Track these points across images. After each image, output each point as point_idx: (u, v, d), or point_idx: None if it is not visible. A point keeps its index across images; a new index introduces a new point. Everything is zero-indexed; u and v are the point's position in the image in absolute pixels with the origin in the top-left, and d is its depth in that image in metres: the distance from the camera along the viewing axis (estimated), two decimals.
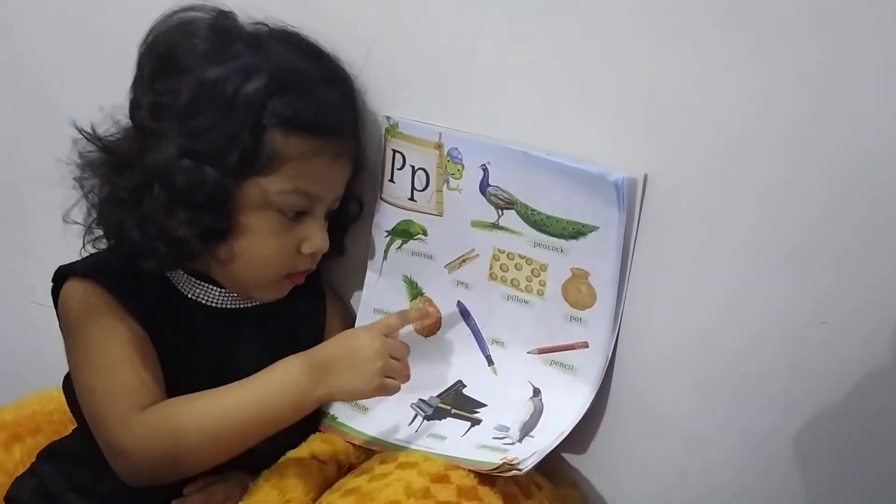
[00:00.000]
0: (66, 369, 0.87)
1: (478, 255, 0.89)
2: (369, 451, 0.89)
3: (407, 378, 0.89)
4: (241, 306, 0.90)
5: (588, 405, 0.84)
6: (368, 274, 0.97)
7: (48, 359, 0.94)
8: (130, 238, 0.81)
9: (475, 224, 0.88)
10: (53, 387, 1.03)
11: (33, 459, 0.94)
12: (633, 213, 0.79)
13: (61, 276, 0.86)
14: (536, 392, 0.88)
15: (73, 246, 0.88)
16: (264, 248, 0.84)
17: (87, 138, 0.84)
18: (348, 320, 0.98)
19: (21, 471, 0.94)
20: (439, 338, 0.94)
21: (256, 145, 0.80)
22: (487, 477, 0.80)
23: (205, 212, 0.80)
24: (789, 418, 0.78)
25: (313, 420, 0.89)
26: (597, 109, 0.80)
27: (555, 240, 0.84)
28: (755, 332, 0.78)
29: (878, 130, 0.69)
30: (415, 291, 0.94)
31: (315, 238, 0.85)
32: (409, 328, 0.92)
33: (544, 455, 0.81)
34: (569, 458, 0.91)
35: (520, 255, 0.87)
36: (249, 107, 0.79)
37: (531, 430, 0.85)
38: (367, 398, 0.88)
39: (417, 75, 0.88)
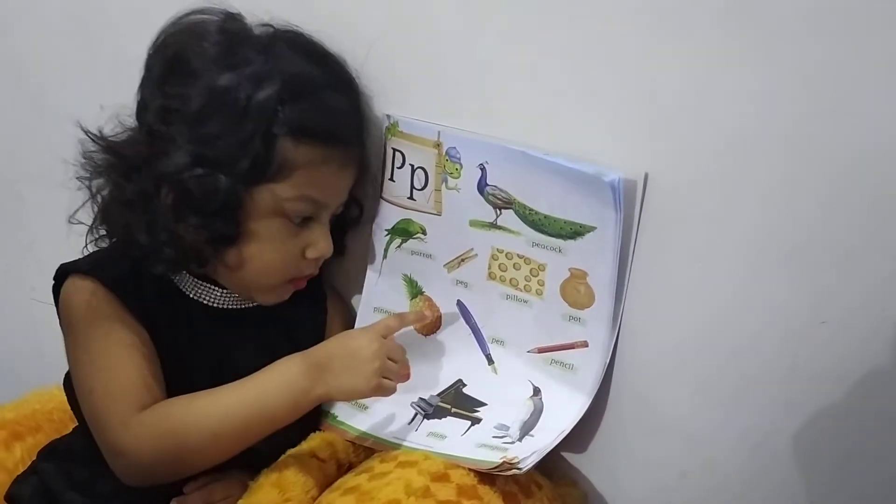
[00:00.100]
0: (66, 368, 0.88)
1: (476, 255, 0.89)
2: (369, 450, 0.89)
3: (406, 378, 0.90)
4: (242, 306, 0.90)
5: (588, 404, 0.84)
6: (368, 273, 0.97)
7: (48, 357, 0.94)
8: (138, 241, 0.81)
9: (473, 223, 0.88)
10: (53, 385, 1.03)
11: (34, 458, 0.94)
12: (632, 213, 0.79)
13: (63, 274, 0.86)
14: (536, 391, 0.88)
15: (73, 245, 0.88)
16: (271, 254, 0.84)
17: (93, 140, 0.84)
18: (349, 320, 0.98)
19: (21, 469, 0.95)
20: (439, 337, 0.94)
21: (267, 153, 0.80)
22: (487, 476, 0.80)
23: (215, 218, 0.81)
24: (789, 418, 0.78)
25: (313, 419, 0.89)
26: (597, 109, 0.79)
27: (553, 240, 0.84)
28: (755, 332, 0.78)
29: (878, 130, 0.69)
30: (414, 290, 0.94)
31: (320, 244, 0.86)
32: (409, 327, 0.93)
33: (544, 454, 0.81)
34: (569, 457, 0.91)
35: (518, 255, 0.87)
36: (261, 114, 0.79)
37: (531, 430, 0.85)
38: (364, 398, 0.90)
39: (417, 74, 0.88)
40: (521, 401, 0.88)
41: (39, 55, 1.15)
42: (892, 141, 0.68)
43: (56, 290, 0.86)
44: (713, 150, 0.75)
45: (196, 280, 0.87)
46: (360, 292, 0.97)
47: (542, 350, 0.88)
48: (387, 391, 0.84)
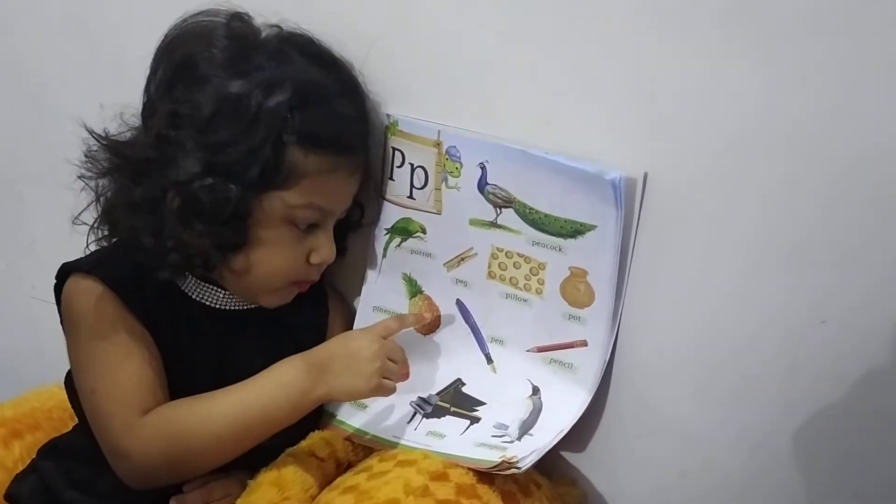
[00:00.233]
0: (65, 366, 0.88)
1: (476, 254, 0.89)
2: (368, 449, 0.89)
3: (406, 377, 0.90)
4: (244, 307, 0.90)
5: (587, 404, 0.84)
6: (368, 272, 0.97)
7: (48, 356, 0.94)
8: (143, 243, 0.81)
9: (473, 222, 0.88)
10: (53, 384, 1.03)
11: (33, 456, 0.94)
12: (632, 212, 0.79)
13: (65, 273, 0.85)
14: (535, 390, 0.88)
15: (74, 244, 0.88)
16: (276, 259, 0.84)
17: (98, 141, 0.83)
18: (349, 320, 0.98)
19: (20, 467, 0.95)
20: (438, 336, 0.94)
21: (277, 160, 0.80)
22: (486, 475, 0.80)
23: (223, 226, 0.80)
24: (788, 417, 0.78)
25: (313, 418, 0.89)
26: (597, 108, 0.80)
27: (553, 238, 0.84)
28: (755, 331, 0.78)
29: (878, 130, 0.69)
30: (414, 289, 0.94)
31: (324, 249, 0.86)
32: (409, 328, 0.93)
33: (543, 453, 0.81)
34: (568, 456, 0.91)
35: (518, 254, 0.87)
36: (272, 122, 0.79)
37: (530, 429, 0.85)
38: (364, 398, 0.90)
39: (418, 73, 0.88)
40: (521, 400, 0.88)
41: (39, 55, 1.15)
42: (892, 141, 0.68)
43: (58, 289, 0.86)
44: (713, 149, 0.75)
45: (198, 281, 0.87)
46: (360, 291, 0.97)
47: (541, 349, 0.88)
48: (387, 391, 0.85)
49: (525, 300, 0.88)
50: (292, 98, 0.79)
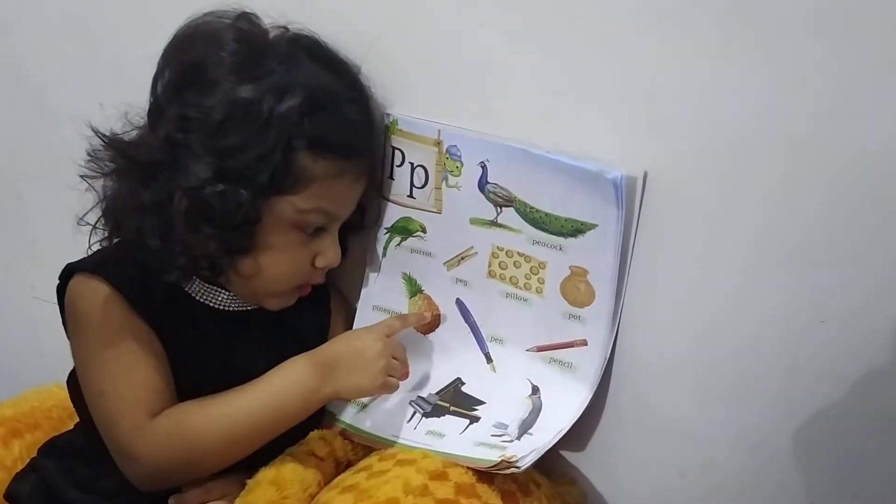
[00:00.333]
0: (65, 366, 0.87)
1: (476, 253, 0.89)
2: (368, 448, 0.89)
3: (406, 376, 0.90)
4: (247, 308, 0.90)
5: (587, 403, 0.84)
6: (367, 271, 0.97)
7: (48, 356, 0.94)
8: (149, 245, 0.81)
9: (474, 221, 0.88)
10: (52, 383, 1.03)
11: (32, 455, 0.94)
12: (632, 211, 0.79)
13: (68, 273, 0.85)
14: (535, 390, 0.88)
15: (74, 244, 0.88)
16: (282, 263, 0.84)
17: (105, 142, 0.83)
18: (350, 320, 0.98)
19: (20, 466, 0.95)
20: (438, 335, 0.94)
21: (286, 165, 0.80)
22: (486, 474, 0.80)
23: (232, 231, 0.80)
24: (788, 417, 0.78)
25: (312, 418, 0.89)
26: (597, 108, 0.80)
27: (553, 237, 0.84)
28: (754, 331, 0.78)
29: (878, 130, 0.69)
30: (414, 289, 0.94)
31: (329, 253, 0.86)
32: (410, 327, 0.93)
33: (543, 453, 0.81)
34: (567, 455, 0.91)
35: (518, 253, 0.87)
36: (283, 127, 0.79)
37: (530, 428, 0.85)
38: (371, 395, 0.91)
39: (418, 72, 0.88)
40: (520, 399, 0.88)
41: (39, 55, 1.15)
42: (892, 141, 0.68)
43: (61, 289, 0.86)
44: (713, 149, 0.75)
45: (202, 283, 0.87)
46: (360, 291, 0.97)
47: (541, 348, 0.88)
48: (392, 388, 0.87)
49: (525, 299, 0.88)
50: (303, 103, 0.79)
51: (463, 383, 0.92)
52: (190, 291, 0.87)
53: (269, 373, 0.83)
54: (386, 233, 0.94)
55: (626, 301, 0.83)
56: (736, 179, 0.75)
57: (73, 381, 0.88)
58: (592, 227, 0.81)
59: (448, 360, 0.93)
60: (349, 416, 0.92)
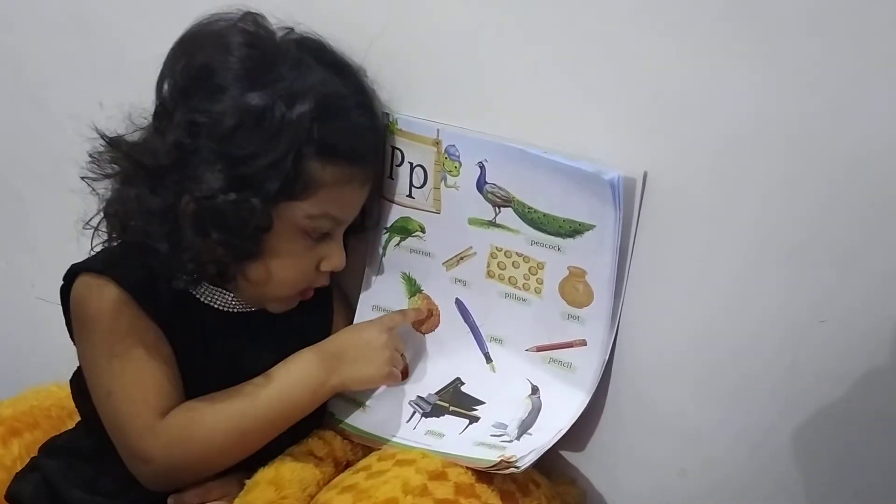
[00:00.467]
0: (65, 366, 0.87)
1: (475, 253, 0.89)
2: (367, 449, 0.89)
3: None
4: (252, 309, 0.89)
5: (586, 403, 0.84)
6: (367, 270, 0.97)
7: (48, 356, 0.94)
8: (157, 249, 0.80)
9: (472, 221, 0.88)
10: (52, 382, 1.03)
11: (31, 454, 0.94)
12: (632, 212, 0.79)
13: (74, 273, 0.84)
14: (535, 390, 0.88)
15: (74, 244, 0.87)
16: (289, 269, 0.85)
17: (111, 146, 0.82)
18: (351, 319, 0.98)
19: (19, 466, 0.95)
20: (438, 335, 0.94)
21: (296, 171, 0.79)
22: (485, 474, 0.80)
23: (241, 238, 0.80)
24: (788, 416, 0.78)
25: (313, 418, 0.89)
26: (596, 108, 0.80)
27: (552, 238, 0.84)
28: (754, 331, 0.78)
29: (878, 130, 0.69)
30: (413, 288, 0.94)
31: (334, 257, 0.86)
32: (408, 325, 0.94)
33: (542, 453, 0.81)
34: (567, 455, 0.91)
35: (517, 253, 0.87)
36: (294, 133, 0.78)
37: (529, 428, 0.85)
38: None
39: (417, 72, 0.88)
40: (520, 399, 0.88)
41: (39, 55, 1.15)
42: (892, 141, 0.68)
43: (65, 290, 0.85)
44: (713, 149, 0.75)
45: (208, 285, 0.87)
46: (359, 290, 0.97)
47: (540, 349, 0.88)
48: (396, 379, 0.90)
49: (524, 299, 0.88)
50: (314, 110, 0.79)
51: (462, 383, 0.92)
52: (196, 293, 0.87)
53: (277, 367, 0.84)
54: (385, 232, 0.94)
55: (626, 301, 0.83)
56: (736, 179, 0.75)
57: (77, 382, 0.88)
58: (590, 227, 0.81)
59: (447, 359, 0.93)
60: (348, 415, 0.92)
